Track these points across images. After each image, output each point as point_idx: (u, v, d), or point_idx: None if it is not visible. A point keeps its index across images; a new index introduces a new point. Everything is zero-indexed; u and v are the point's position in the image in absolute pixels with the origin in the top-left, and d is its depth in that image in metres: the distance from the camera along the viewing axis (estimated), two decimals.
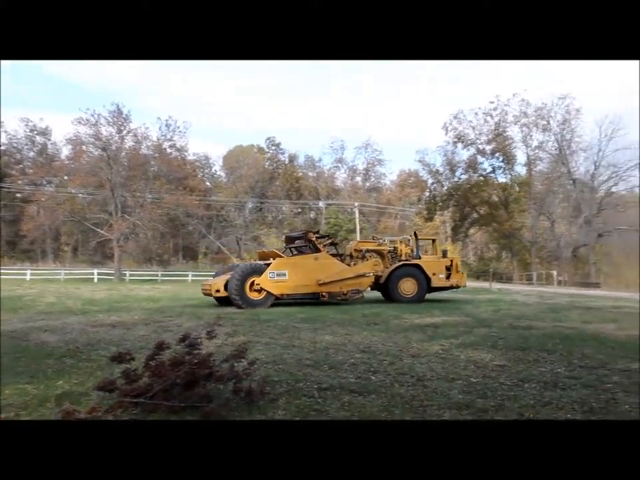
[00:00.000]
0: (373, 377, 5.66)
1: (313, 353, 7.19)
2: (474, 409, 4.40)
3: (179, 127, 44.52)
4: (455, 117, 43.02)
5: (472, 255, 64.29)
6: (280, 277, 14.97)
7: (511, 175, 44.58)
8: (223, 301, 15.12)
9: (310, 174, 73.69)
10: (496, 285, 31.67)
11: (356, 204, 62.33)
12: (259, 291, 14.79)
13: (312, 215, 70.22)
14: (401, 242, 18.53)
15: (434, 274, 17.23)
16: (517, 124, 42.27)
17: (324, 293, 15.57)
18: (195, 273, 44.59)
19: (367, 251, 17.37)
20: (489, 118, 42.28)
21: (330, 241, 17.51)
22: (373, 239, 19.31)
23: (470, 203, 45.11)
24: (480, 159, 44.02)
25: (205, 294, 15.96)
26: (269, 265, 15.28)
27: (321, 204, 67.78)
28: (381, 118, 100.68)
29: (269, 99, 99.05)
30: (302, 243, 16.87)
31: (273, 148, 72.64)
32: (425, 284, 17.09)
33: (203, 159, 69.53)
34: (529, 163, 43.65)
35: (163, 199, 43.54)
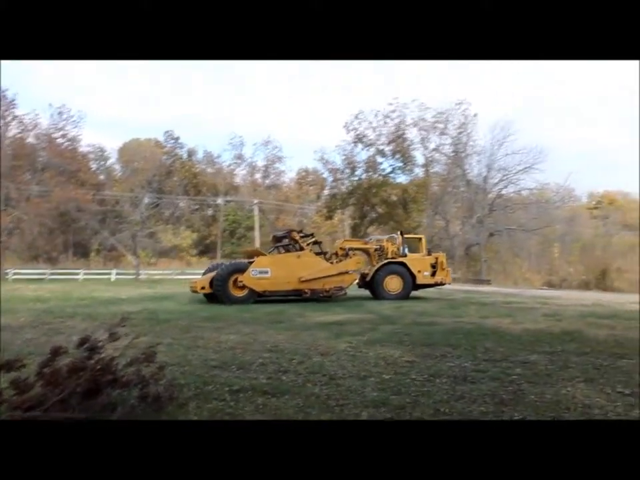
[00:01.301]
0: (284, 377, 5.50)
1: (219, 353, 6.93)
2: (390, 407, 4.36)
3: (72, 116, 41.87)
4: (356, 117, 43.77)
5: None
6: (262, 274, 15.63)
7: (409, 175, 46.11)
8: (211, 298, 15.66)
9: (209, 170, 72.13)
10: None
11: (255, 201, 61.83)
12: (242, 287, 15.48)
13: (210, 211, 68.88)
14: (387, 240, 18.95)
15: (419, 271, 17.64)
16: (416, 127, 43.84)
17: (306, 290, 16.04)
18: (87, 272, 42.24)
19: (351, 249, 17.77)
20: (388, 120, 43.48)
21: (314, 239, 17.88)
22: (360, 238, 19.60)
23: (369, 202, 46.06)
24: (380, 159, 45.19)
25: (193, 291, 16.50)
26: (252, 262, 15.95)
27: (220, 200, 66.56)
28: (280, 115, 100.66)
29: (168, 92, 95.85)
30: (287, 242, 17.38)
31: (172, 141, 70.34)
32: (410, 281, 17.49)
33: (98, 151, 66.07)
34: (427, 165, 45.30)
35: (52, 192, 40.79)
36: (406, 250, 18.47)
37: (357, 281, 18.20)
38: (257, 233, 59.35)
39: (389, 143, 44.31)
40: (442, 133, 43.78)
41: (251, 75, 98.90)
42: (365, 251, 18.59)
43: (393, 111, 43.29)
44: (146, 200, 55.48)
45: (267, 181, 75.88)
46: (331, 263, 16.99)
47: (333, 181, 49.69)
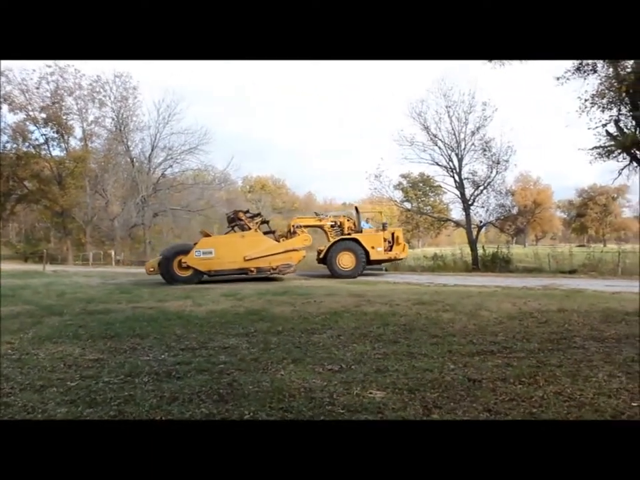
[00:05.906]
0: None
1: None
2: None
3: None
4: (3, 74, 37.51)
5: (15, 234, 58.15)
6: (206, 254, 16.10)
7: (66, 148, 41.75)
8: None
9: None
10: (50, 267, 29.13)
11: None
12: (187, 268, 16.08)
13: None
14: (344, 216, 19.16)
15: (372, 247, 17.78)
16: (72, 95, 39.74)
17: (252, 268, 16.32)
18: None
19: (299, 226, 17.84)
20: (44, 82, 38.45)
21: (261, 219, 18.05)
22: (316, 215, 19.61)
23: (17, 176, 40.50)
24: (31, 127, 39.78)
25: (148, 273, 16.90)
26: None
27: None
28: None
29: None
30: (239, 222, 17.55)
31: None
32: (364, 257, 17.64)
33: None
34: (85, 138, 41.62)
35: None
36: (364, 225, 18.81)
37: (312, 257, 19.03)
38: None
39: (43, 109, 39.39)
40: (101, 105, 40.64)
41: None
42: (320, 228, 18.85)
43: (52, 74, 38.46)
44: None
45: None
46: (280, 241, 17.24)
47: None
